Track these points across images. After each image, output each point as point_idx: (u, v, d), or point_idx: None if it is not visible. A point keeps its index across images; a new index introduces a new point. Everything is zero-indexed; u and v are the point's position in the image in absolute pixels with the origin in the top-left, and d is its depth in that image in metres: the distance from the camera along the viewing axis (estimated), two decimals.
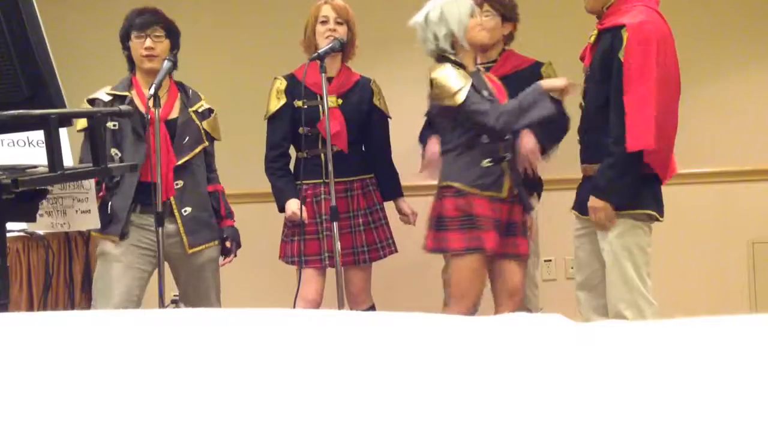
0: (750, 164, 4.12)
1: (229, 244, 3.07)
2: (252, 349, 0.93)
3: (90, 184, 2.72)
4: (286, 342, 0.94)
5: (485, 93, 2.82)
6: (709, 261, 4.12)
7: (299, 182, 3.13)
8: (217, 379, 0.83)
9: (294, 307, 3.06)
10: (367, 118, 3.16)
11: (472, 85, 2.79)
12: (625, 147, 2.56)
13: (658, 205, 2.70)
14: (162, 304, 2.89)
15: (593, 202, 2.65)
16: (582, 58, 2.83)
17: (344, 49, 3.03)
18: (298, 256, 3.10)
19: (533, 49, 3.35)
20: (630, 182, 2.62)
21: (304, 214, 3.02)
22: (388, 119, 3.28)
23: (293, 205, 3.06)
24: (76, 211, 2.72)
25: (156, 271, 2.93)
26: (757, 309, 4.12)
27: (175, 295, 4.05)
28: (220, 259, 3.12)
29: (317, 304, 3.13)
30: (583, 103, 2.79)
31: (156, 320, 1.17)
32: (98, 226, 2.82)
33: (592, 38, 2.73)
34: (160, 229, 2.81)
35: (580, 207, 2.78)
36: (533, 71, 3.16)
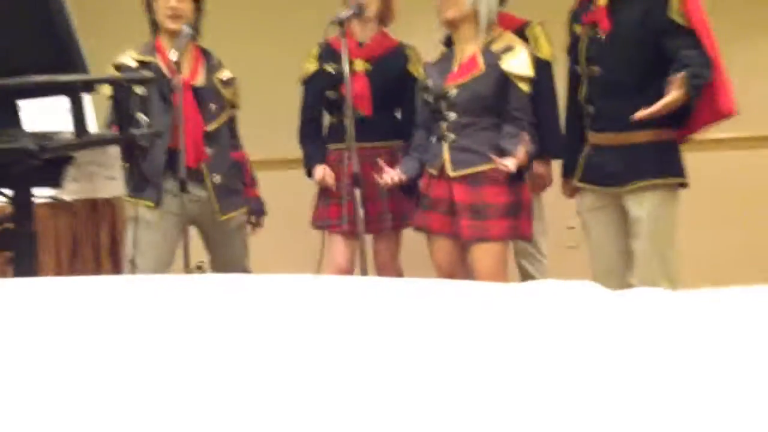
0: None
1: (254, 218, 3.13)
2: (276, 315, 0.93)
3: (115, 151, 2.73)
4: (303, 308, 0.95)
5: (428, 81, 2.90)
6: (739, 228, 4.05)
7: (326, 147, 3.16)
8: (240, 343, 0.83)
9: (318, 273, 3.08)
10: (398, 85, 3.12)
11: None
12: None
13: (685, 173, 2.65)
14: (187, 269, 2.92)
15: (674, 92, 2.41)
16: (584, 21, 2.70)
17: (362, 14, 2.96)
18: (321, 220, 3.13)
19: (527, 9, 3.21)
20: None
21: (331, 179, 3.05)
22: None
23: (319, 171, 3.08)
24: (102, 177, 2.74)
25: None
26: None
27: (200, 261, 4.09)
28: (248, 228, 3.16)
29: (345, 271, 3.14)
30: (596, 69, 2.65)
31: (182, 286, 1.18)
32: (123, 192, 2.83)
33: (604, 0, 2.60)
34: (185, 195, 2.82)
35: (592, 178, 2.71)
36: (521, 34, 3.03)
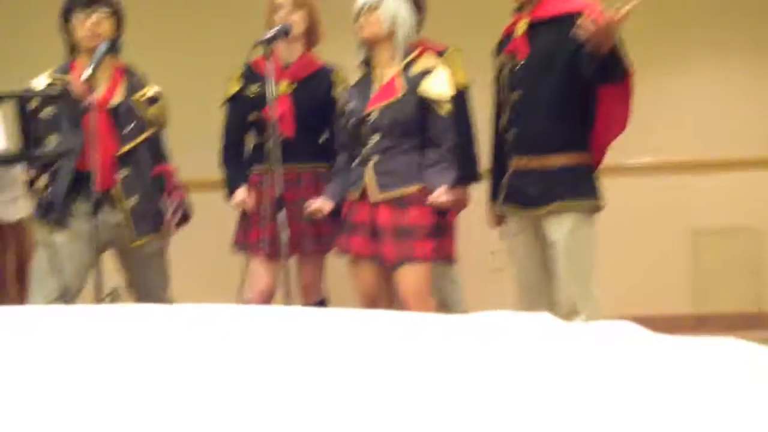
0: (689, 155, 4.20)
1: (171, 213, 2.91)
2: (241, 349, 0.89)
3: (17, 171, 2.58)
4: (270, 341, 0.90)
5: (349, 105, 2.89)
6: (653, 250, 4.18)
7: (249, 170, 3.09)
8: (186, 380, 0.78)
9: (239, 297, 2.97)
10: (322, 107, 3.08)
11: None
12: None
13: (601, 196, 2.70)
14: (99, 296, 2.78)
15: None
16: (505, 51, 2.76)
17: (288, 35, 2.91)
18: (242, 243, 3.06)
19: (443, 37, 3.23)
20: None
21: (251, 202, 2.99)
22: None
23: (239, 194, 3.02)
24: (4, 199, 2.58)
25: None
26: (698, 297, 4.21)
27: (113, 287, 3.93)
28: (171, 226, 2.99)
29: (267, 295, 3.06)
30: (518, 94, 2.68)
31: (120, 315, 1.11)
32: (27, 214, 2.68)
33: (522, 29, 2.67)
34: (98, 218, 2.69)
35: (515, 199, 2.73)
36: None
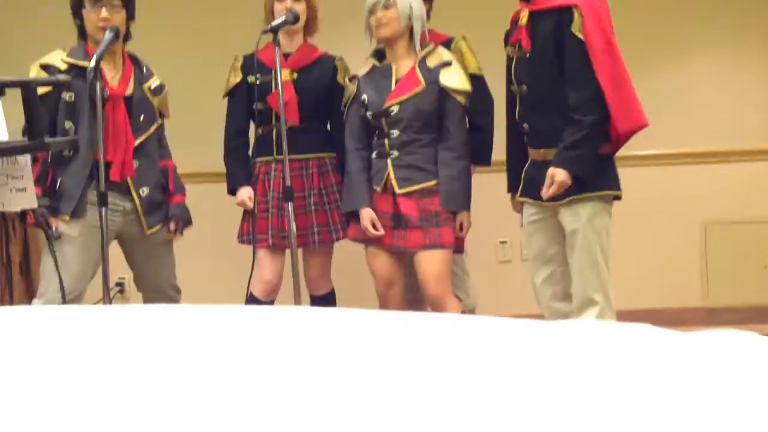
0: (700, 146, 4.16)
1: (174, 224, 2.91)
2: (246, 349, 0.88)
3: (26, 160, 2.55)
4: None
5: (365, 96, 2.88)
6: (662, 243, 4.14)
7: (254, 160, 3.08)
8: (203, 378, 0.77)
9: (248, 288, 2.98)
10: (326, 95, 3.06)
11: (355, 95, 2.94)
12: (597, 123, 2.54)
13: (619, 185, 2.69)
14: (107, 287, 2.76)
15: (557, 172, 2.56)
16: (510, 42, 2.75)
17: (297, 22, 2.93)
18: (248, 234, 3.04)
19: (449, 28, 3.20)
20: (594, 156, 2.59)
21: (251, 203, 2.99)
22: None
23: (243, 193, 3.02)
24: (11, 189, 2.55)
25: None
26: (709, 290, 4.18)
27: (120, 278, 3.92)
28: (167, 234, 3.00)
29: (274, 286, 3.07)
30: (525, 87, 2.68)
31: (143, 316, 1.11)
32: (35, 205, 2.65)
33: (524, 20, 2.64)
34: (103, 210, 2.67)
35: (532, 192, 2.71)
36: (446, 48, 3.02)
